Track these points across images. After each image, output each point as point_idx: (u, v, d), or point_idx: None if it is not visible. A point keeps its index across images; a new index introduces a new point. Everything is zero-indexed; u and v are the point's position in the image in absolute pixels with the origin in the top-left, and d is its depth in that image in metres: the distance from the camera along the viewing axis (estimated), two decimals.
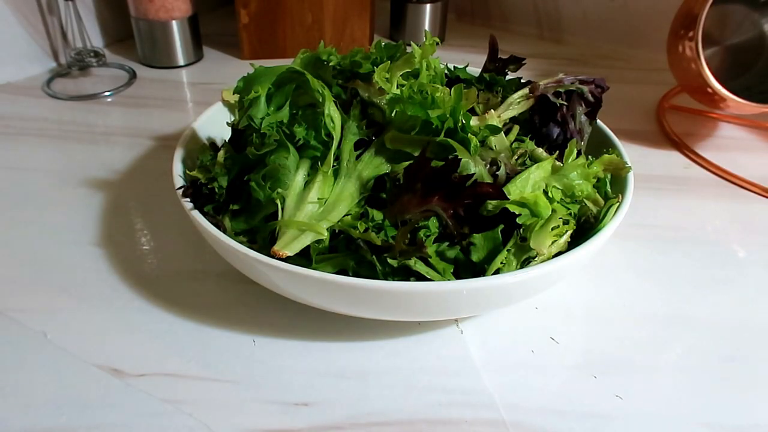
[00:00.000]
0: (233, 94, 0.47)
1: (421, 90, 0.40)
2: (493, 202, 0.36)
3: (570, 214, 0.38)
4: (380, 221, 0.36)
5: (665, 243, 0.50)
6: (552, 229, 0.36)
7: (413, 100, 0.38)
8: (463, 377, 0.37)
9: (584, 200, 0.40)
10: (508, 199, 0.36)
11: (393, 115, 0.39)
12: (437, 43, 0.44)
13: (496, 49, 0.52)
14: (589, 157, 0.43)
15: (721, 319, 0.42)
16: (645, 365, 0.38)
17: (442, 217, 0.35)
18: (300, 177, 0.38)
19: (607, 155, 0.43)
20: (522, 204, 0.36)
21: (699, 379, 0.37)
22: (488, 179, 0.37)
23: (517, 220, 0.36)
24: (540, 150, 0.42)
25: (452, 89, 0.39)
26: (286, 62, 0.43)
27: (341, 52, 0.45)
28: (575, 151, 0.40)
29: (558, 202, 0.38)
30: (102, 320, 0.40)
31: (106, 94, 0.71)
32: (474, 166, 0.36)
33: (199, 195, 0.39)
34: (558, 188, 0.39)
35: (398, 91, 0.41)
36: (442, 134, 0.37)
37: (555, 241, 0.37)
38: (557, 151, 0.41)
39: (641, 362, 0.38)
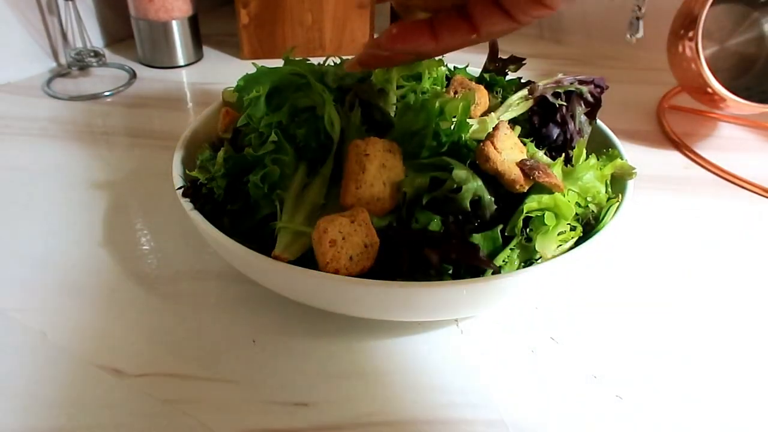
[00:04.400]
0: (233, 93, 0.47)
1: (424, 96, 0.39)
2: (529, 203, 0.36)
3: (578, 219, 0.38)
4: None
5: (666, 243, 0.50)
6: (558, 234, 0.36)
7: (426, 110, 0.38)
8: (463, 377, 0.37)
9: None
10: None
11: (399, 120, 0.39)
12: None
13: (496, 49, 0.52)
14: (599, 158, 0.43)
15: (724, 320, 0.42)
16: (645, 365, 0.38)
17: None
18: (299, 179, 0.38)
19: (619, 160, 0.42)
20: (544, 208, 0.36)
21: (700, 380, 0.37)
22: (486, 194, 0.37)
23: (544, 218, 0.36)
24: (541, 153, 0.41)
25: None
26: None
27: (341, 52, 0.45)
28: (584, 152, 0.40)
29: (573, 205, 0.38)
30: (102, 320, 0.40)
31: (106, 94, 0.71)
32: (472, 182, 0.36)
33: (199, 195, 0.39)
34: (574, 191, 0.38)
35: (401, 101, 0.40)
36: (446, 147, 0.37)
37: (560, 245, 0.37)
38: (563, 154, 0.41)
39: (641, 362, 0.38)
